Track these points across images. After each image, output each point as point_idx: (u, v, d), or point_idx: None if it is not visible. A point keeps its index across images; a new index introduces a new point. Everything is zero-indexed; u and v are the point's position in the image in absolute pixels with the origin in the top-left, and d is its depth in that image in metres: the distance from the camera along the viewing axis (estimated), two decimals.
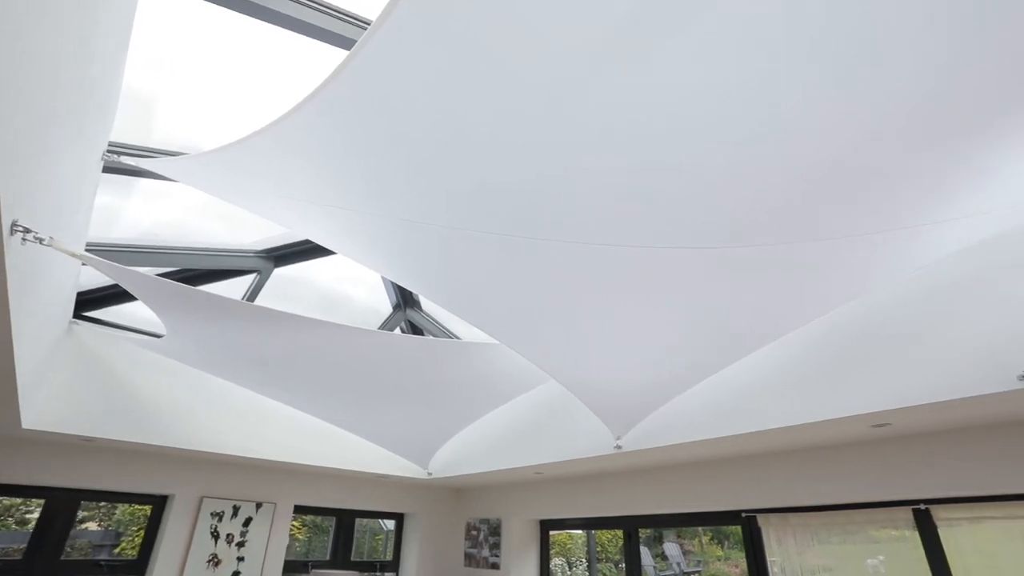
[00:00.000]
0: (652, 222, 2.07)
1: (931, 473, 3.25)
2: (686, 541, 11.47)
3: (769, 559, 3.92)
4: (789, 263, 2.21)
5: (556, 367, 3.05)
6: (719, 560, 11.09)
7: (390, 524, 6.63)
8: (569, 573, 11.26)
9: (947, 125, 1.67)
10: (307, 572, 5.53)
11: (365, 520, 6.63)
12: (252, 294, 4.54)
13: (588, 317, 2.66)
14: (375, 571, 6.11)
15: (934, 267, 2.75)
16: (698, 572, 10.49)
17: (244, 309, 3.38)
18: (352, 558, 6.11)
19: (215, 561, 4.72)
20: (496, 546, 5.83)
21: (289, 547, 6.22)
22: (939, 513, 3.33)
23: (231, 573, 4.79)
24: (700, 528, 11.08)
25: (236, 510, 4.99)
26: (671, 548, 10.17)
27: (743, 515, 4.10)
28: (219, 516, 4.88)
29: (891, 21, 1.37)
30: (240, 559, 4.87)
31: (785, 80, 1.53)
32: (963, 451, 3.15)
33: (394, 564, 6.29)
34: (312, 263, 4.59)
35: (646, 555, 9.80)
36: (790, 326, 2.85)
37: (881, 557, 3.53)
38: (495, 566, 5.74)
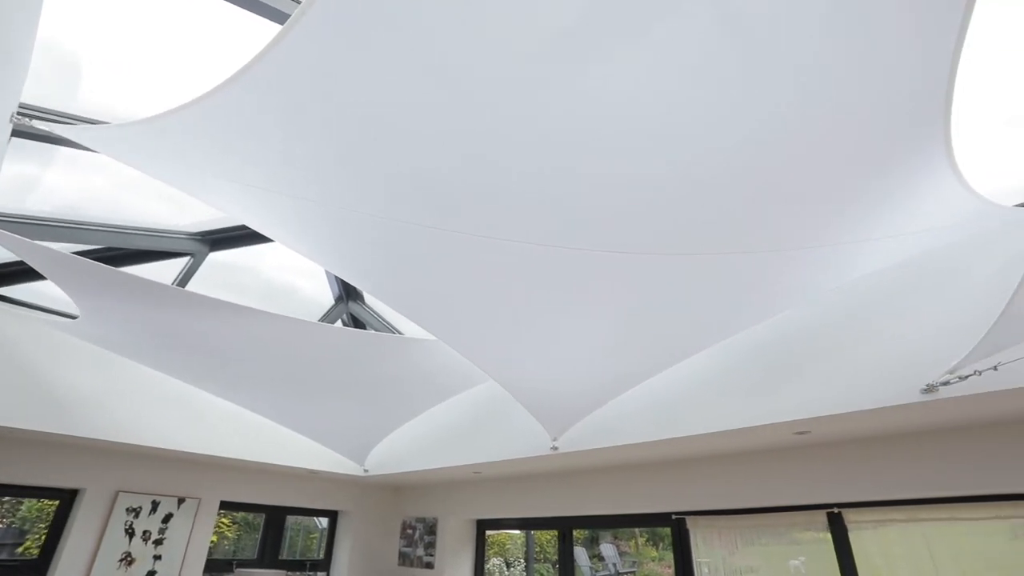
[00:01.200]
0: (591, 226, 2.09)
1: (844, 479, 3.44)
2: (622, 542, 11.71)
3: (699, 560, 4.05)
4: (721, 274, 2.28)
5: (494, 366, 3.04)
6: (653, 561, 11.37)
7: (325, 522, 6.45)
8: (507, 573, 11.28)
9: (862, 153, 1.77)
10: (231, 571, 5.29)
11: (301, 518, 6.41)
12: (184, 279, 4.31)
13: (527, 317, 2.66)
14: (305, 570, 5.91)
15: (854, 285, 2.92)
16: (633, 572, 10.72)
17: (170, 293, 3.20)
18: (284, 557, 5.90)
19: (128, 560, 4.43)
20: (431, 545, 5.76)
21: (217, 545, 5.95)
22: (850, 516, 3.53)
23: (146, 573, 4.51)
24: (637, 530, 11.34)
25: (155, 506, 4.71)
26: (607, 549, 10.36)
27: (673, 517, 4.21)
28: (136, 512, 4.59)
29: (813, 58, 1.43)
30: (157, 558, 4.60)
31: (717, 97, 1.58)
32: (873, 458, 3.35)
33: (325, 563, 6.11)
34: (257, 250, 4.41)
35: (583, 555, 9.93)
36: (721, 335, 2.95)
37: (802, 558, 3.70)
38: (429, 565, 5.68)
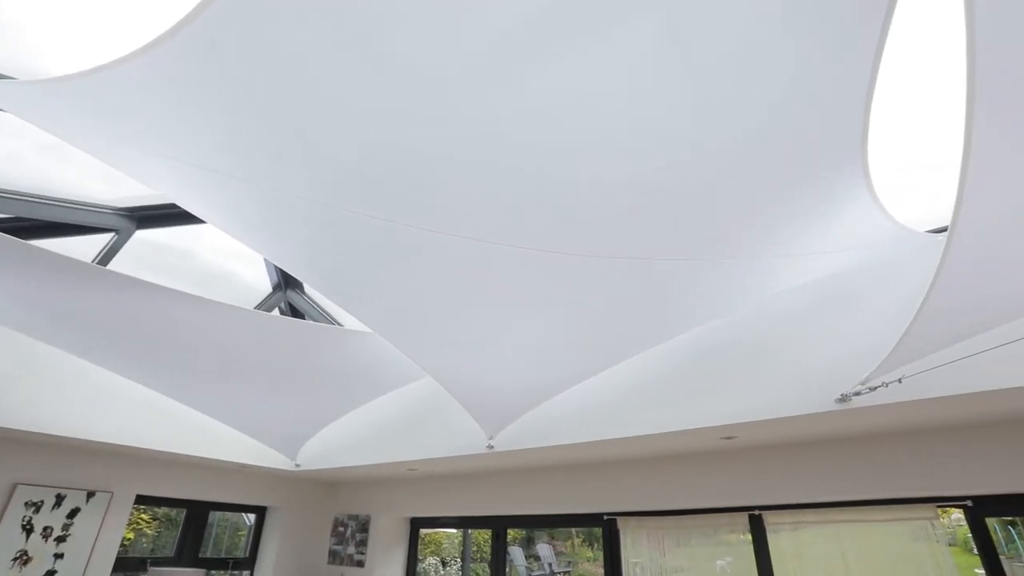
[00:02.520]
0: (532, 224, 2.09)
1: (765, 483, 3.60)
2: (559, 542, 11.84)
3: (632, 560, 4.13)
4: (655, 280, 2.33)
5: (431, 362, 2.99)
6: (588, 561, 11.56)
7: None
8: (443, 572, 11.18)
9: (788, 173, 1.85)
10: (144, 570, 4.98)
11: (230, 514, 6.12)
12: (106, 256, 4.02)
13: (466, 314, 2.64)
14: (227, 569, 5.65)
15: (780, 298, 3.06)
16: (568, 572, 10.86)
17: (88, 272, 2.98)
18: (208, 554, 5.61)
19: (23, 559, 4.08)
20: (363, 543, 5.63)
21: (134, 543, 5.58)
22: (769, 518, 3.70)
23: (44, 572, 4.17)
24: (573, 530, 11.49)
25: (60, 499, 4.37)
26: (543, 549, 10.45)
27: (605, 518, 4.29)
28: (37, 507, 4.23)
29: (747, 81, 1.48)
30: (58, 556, 4.25)
31: (659, 110, 1.61)
32: (791, 463, 3.52)
33: (250, 561, 5.86)
34: (193, 231, 4.17)
35: (519, 555, 9.97)
36: (654, 341, 3.02)
37: (729, 558, 3.85)
38: (360, 564, 5.54)
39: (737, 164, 1.81)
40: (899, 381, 2.45)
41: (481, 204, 2.02)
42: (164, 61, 1.63)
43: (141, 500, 4.99)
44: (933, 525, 3.17)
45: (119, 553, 4.65)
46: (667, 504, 3.95)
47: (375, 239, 2.26)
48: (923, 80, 2.33)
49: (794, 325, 2.97)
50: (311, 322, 3.70)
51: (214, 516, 5.86)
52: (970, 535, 3.13)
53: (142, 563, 5.05)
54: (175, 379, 4.06)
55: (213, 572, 5.57)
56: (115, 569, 4.60)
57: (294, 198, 2.17)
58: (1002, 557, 3.13)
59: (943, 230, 2.39)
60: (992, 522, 3.18)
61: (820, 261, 2.58)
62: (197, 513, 5.48)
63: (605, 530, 4.29)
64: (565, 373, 3.19)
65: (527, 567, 10.13)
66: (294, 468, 5.28)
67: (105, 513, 4.57)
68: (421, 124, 1.75)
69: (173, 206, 3.84)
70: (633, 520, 4.17)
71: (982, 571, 3.02)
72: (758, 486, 3.62)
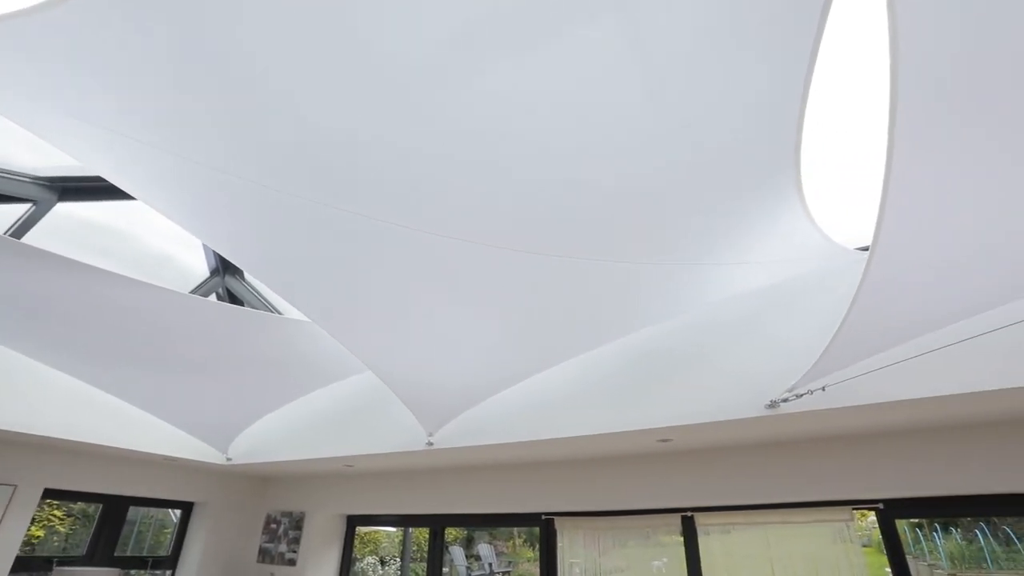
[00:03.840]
0: (477, 219, 2.06)
1: (697, 485, 3.71)
2: (500, 542, 11.85)
3: (571, 561, 4.16)
4: (596, 281, 2.35)
5: (371, 356, 2.91)
6: (529, 561, 11.62)
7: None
8: (381, 572, 10.97)
9: (726, 184, 1.90)
10: (50, 570, 4.62)
11: (154, 511, 5.76)
12: (20, 229, 3.71)
13: (408, 308, 2.58)
14: (146, 568, 5.32)
15: (717, 306, 3.15)
16: (508, 572, 10.87)
17: None
18: (127, 552, 5.26)
19: None
20: (296, 541, 5.44)
21: (43, 541, 5.16)
22: (700, 519, 3.81)
23: None
24: (515, 530, 11.52)
25: None
26: (484, 549, 10.43)
27: (543, 517, 4.30)
28: None
29: (690, 90, 1.51)
30: None
31: (608, 115, 1.62)
32: (723, 466, 3.64)
33: (173, 559, 5.54)
34: (127, 209, 3.90)
35: (459, 555, 9.91)
36: (595, 343, 3.05)
37: (665, 559, 3.93)
38: (291, 562, 5.35)
39: (677, 171, 1.85)
40: (823, 389, 2.57)
41: (427, 195, 1.97)
42: (92, 18, 1.50)
43: (51, 495, 4.63)
44: (848, 527, 3.34)
45: (24, 552, 4.30)
46: (604, 505, 4.00)
47: (315, 225, 2.17)
48: (866, 105, 2.45)
49: (731, 333, 3.07)
50: (247, 309, 3.53)
51: (137, 513, 5.51)
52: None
53: (48, 563, 4.68)
54: (94, 364, 3.80)
55: (132, 572, 5.24)
56: (16, 569, 4.25)
57: (229, 176, 2.06)
58: (909, 557, 3.32)
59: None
60: (903, 525, 3.38)
61: (758, 272, 2.68)
62: (115, 509, 5.13)
63: (542, 530, 4.31)
64: (506, 372, 3.18)
65: (467, 567, 10.08)
66: (225, 462, 5.03)
67: (6, 508, 4.21)
68: (365, 108, 1.69)
69: (100, 179, 3.59)
70: (570, 520, 4.20)
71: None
72: (691, 488, 3.73)
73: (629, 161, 1.81)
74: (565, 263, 2.18)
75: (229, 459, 5.02)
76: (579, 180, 1.82)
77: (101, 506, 5.10)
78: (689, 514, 3.82)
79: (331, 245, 2.23)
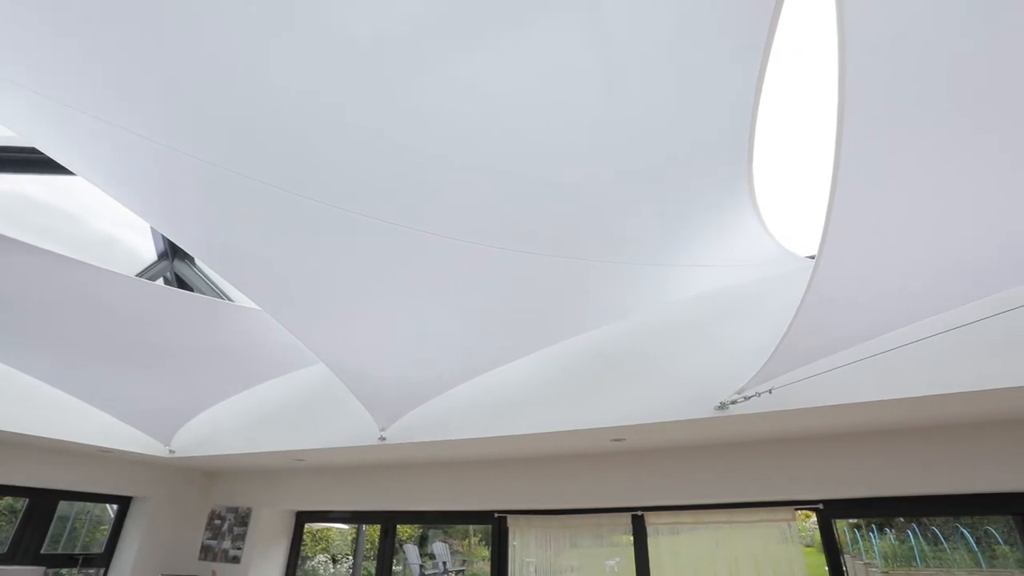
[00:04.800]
0: (436, 209, 2.02)
1: (648, 484, 3.76)
2: (455, 541, 11.78)
3: (526, 560, 4.16)
4: (552, 279, 2.35)
5: (322, 346, 2.83)
6: (484, 560, 11.58)
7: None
8: (332, 570, 10.75)
9: (681, 187, 1.92)
10: None
11: (91, 506, 5.44)
12: None
13: (362, 300, 2.51)
14: (76, 566, 5.04)
15: (672, 307, 3.20)
16: (461, 571, 10.82)
17: None
18: (57, 550, 4.96)
19: None
20: (241, 538, 5.25)
21: None
22: (650, 519, 3.87)
23: None
24: (471, 529, 11.48)
25: None
26: (439, 547, 10.36)
27: (495, 515, 4.29)
28: None
29: (646, 94, 1.52)
30: None
31: (568, 112, 1.61)
32: (673, 467, 3.70)
33: (107, 557, 5.27)
34: (70, 186, 3.69)
35: (413, 553, 9.80)
36: (550, 340, 3.05)
37: (618, 559, 3.97)
38: (235, 559, 5.17)
39: (634, 172, 1.86)
40: (769, 392, 2.64)
41: (382, 183, 1.92)
42: None
43: None
44: (790, 526, 3.46)
45: None
46: (556, 503, 4.02)
47: (264, 208, 2.09)
48: (817, 117, 2.53)
49: (685, 335, 3.12)
50: (195, 294, 3.37)
51: (72, 508, 5.21)
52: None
53: None
54: (23, 348, 3.56)
55: (63, 572, 4.95)
56: None
57: (174, 151, 1.96)
58: (848, 556, 3.45)
59: None
60: (843, 526, 3.51)
61: (712, 275, 2.73)
62: (43, 504, 4.84)
63: (494, 528, 4.29)
64: (461, 367, 3.15)
65: (421, 565, 9.98)
66: (167, 454, 4.81)
67: None
68: (320, 88, 1.63)
69: (34, 151, 3.37)
70: (523, 519, 4.20)
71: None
72: (641, 488, 3.78)
73: (586, 160, 1.80)
74: (521, 259, 2.17)
75: (172, 451, 4.81)
76: (536, 176, 1.81)
77: (28, 500, 4.79)
78: (639, 513, 3.88)
79: (282, 230, 2.15)
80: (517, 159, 1.80)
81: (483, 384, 3.41)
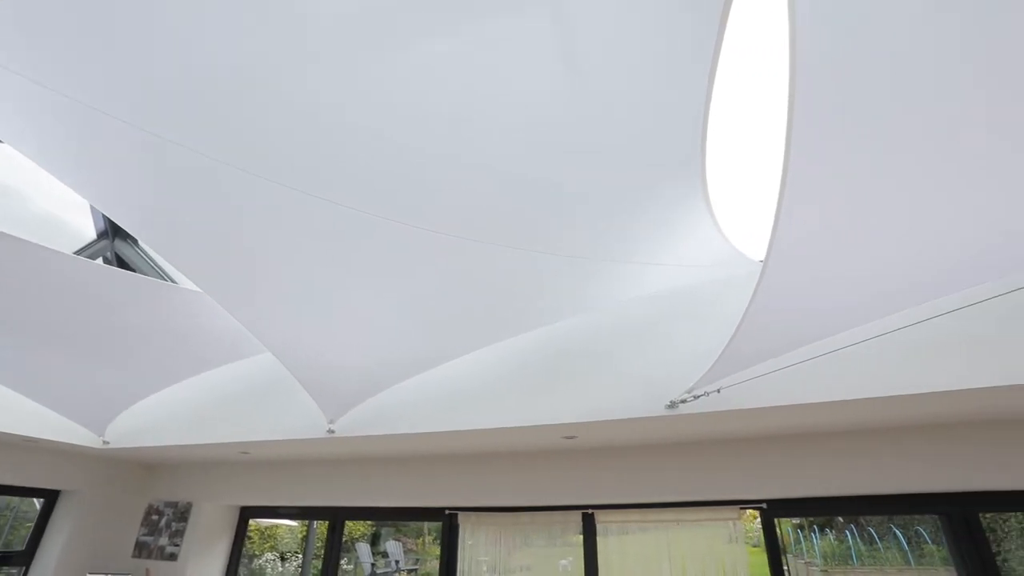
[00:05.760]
0: (390, 194, 1.96)
1: (598, 483, 3.77)
2: (409, 540, 11.64)
3: (480, 559, 4.10)
4: (507, 271, 2.31)
5: (268, 332, 2.71)
6: (437, 559, 11.45)
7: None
8: (280, 569, 10.45)
9: (637, 183, 1.92)
10: None
11: (15, 500, 5.09)
12: None
13: (311, 286, 2.42)
14: None
15: (627, 305, 3.22)
16: (414, 570, 10.69)
17: None
18: None
19: None
20: (179, 534, 5.02)
21: None
22: (600, 517, 3.88)
23: None
24: (426, 527, 11.36)
25: None
26: (392, 546, 10.21)
27: (446, 512, 4.23)
28: None
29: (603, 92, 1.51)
30: None
31: (516, 92, 1.58)
32: (623, 465, 3.73)
33: (27, 555, 4.94)
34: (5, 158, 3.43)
35: (365, 551, 9.63)
36: (503, 334, 3.02)
37: (571, 558, 3.96)
38: (172, 557, 4.93)
39: (591, 166, 1.85)
40: (718, 391, 2.68)
41: (331, 163, 1.85)
42: None
43: None
44: (735, 526, 3.53)
45: None
46: (507, 501, 3.99)
47: (207, 184, 1.98)
48: (770, 126, 2.59)
49: (639, 333, 3.14)
50: (133, 274, 3.19)
51: None
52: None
53: None
54: None
55: None
56: None
57: (108, 117, 1.83)
58: (790, 555, 3.55)
59: None
60: (788, 526, 3.61)
61: (667, 274, 2.75)
62: None
63: (444, 525, 4.23)
64: (412, 358, 3.08)
65: (373, 564, 9.81)
66: (101, 445, 4.55)
67: None
68: (269, 58, 1.55)
69: None
70: (474, 515, 4.16)
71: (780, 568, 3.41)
72: (592, 486, 3.79)
73: (543, 151, 1.78)
74: (475, 250, 2.12)
75: (106, 442, 4.55)
76: (490, 166, 1.77)
77: None
78: (590, 512, 3.89)
79: (224, 208, 2.05)
80: (471, 148, 1.76)
81: (435, 378, 3.35)
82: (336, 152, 1.83)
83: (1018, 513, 4.73)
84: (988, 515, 3.38)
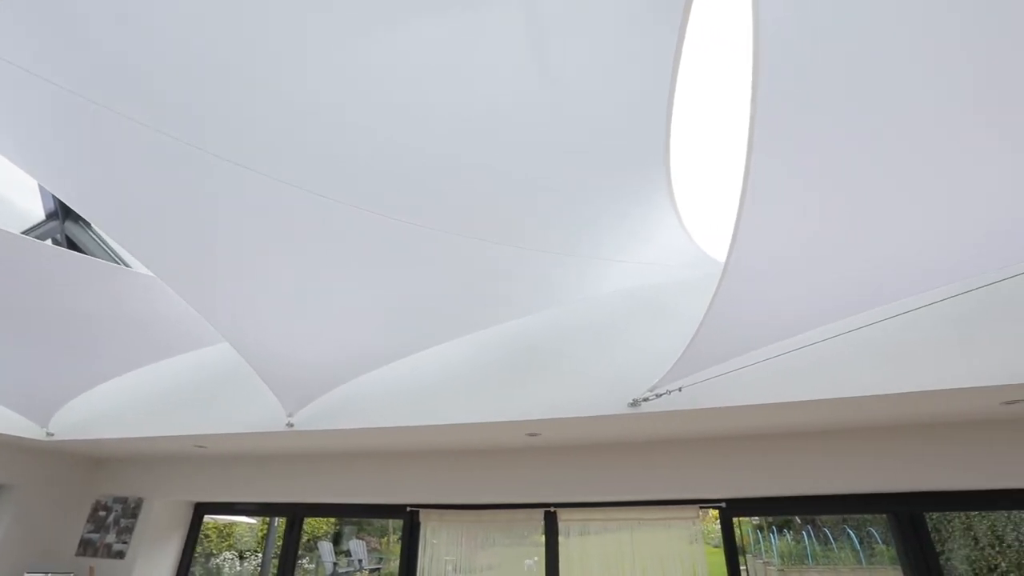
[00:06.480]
0: (355, 180, 1.91)
1: (561, 481, 3.77)
2: (374, 539, 11.49)
3: (445, 558, 4.05)
4: (472, 266, 2.28)
5: (224, 321, 2.62)
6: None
7: None
8: (239, 568, 10.17)
9: (603, 179, 1.92)
10: None
11: None
12: None
13: (269, 273, 2.34)
14: None
15: (593, 304, 3.23)
16: (378, 569, 10.56)
17: None
18: None
19: None
20: (128, 531, 4.82)
21: None
22: (562, 515, 3.88)
23: None
24: (391, 525, 11.22)
25: None
26: (355, 544, 10.06)
27: (408, 509, 4.16)
28: None
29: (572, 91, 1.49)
30: None
31: (488, 86, 1.55)
32: (586, 464, 3.73)
33: None
34: None
35: (327, 550, 9.47)
36: (467, 328, 2.99)
37: (536, 558, 3.94)
38: (120, 555, 4.73)
39: (558, 161, 1.83)
40: (679, 390, 2.70)
41: (290, 142, 1.79)
42: None
43: None
44: (695, 524, 3.57)
45: None
46: (470, 498, 3.95)
47: (157, 160, 1.89)
48: (734, 128, 2.62)
49: (603, 331, 3.15)
50: (82, 255, 3.03)
51: None
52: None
53: None
54: None
55: None
56: None
57: (45, 81, 1.73)
58: (750, 555, 3.60)
59: None
60: (748, 526, 3.66)
61: (631, 272, 2.76)
62: None
63: (406, 522, 4.17)
64: (374, 352, 3.02)
65: (335, 563, 9.64)
66: (44, 437, 4.33)
67: None
68: (229, 30, 1.48)
69: None
70: (435, 513, 4.10)
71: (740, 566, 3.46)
72: (554, 484, 3.78)
73: (510, 145, 1.76)
74: (439, 242, 2.09)
75: (50, 434, 4.33)
76: (455, 155, 1.74)
77: None
78: (552, 509, 3.88)
79: (176, 186, 1.96)
80: (440, 139, 1.72)
81: (397, 372, 3.29)
82: (292, 129, 1.77)
83: (961, 514, 4.95)
84: (934, 515, 3.50)
